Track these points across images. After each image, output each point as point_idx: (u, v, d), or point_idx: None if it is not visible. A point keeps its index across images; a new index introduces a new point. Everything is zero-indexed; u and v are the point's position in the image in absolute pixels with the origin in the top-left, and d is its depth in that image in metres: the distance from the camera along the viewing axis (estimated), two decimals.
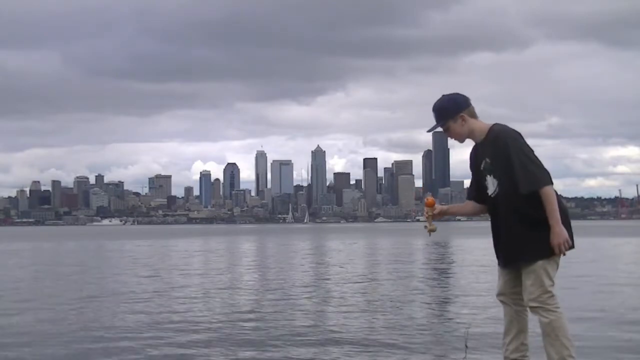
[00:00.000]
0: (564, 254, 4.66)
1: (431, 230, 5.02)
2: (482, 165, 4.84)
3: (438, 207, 5.01)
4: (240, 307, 10.74)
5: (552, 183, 4.65)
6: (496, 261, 4.90)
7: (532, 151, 4.68)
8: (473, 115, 4.84)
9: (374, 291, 13.01)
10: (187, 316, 9.79)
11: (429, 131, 5.03)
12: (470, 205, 5.05)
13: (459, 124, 4.82)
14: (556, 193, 4.72)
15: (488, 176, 4.80)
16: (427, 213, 5.04)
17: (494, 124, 4.83)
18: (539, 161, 4.67)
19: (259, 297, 12.20)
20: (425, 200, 5.08)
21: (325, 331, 8.36)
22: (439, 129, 4.96)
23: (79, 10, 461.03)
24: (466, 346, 6.26)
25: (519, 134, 4.72)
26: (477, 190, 4.96)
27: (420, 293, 12.66)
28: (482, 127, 4.82)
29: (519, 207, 4.66)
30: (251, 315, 9.65)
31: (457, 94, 4.92)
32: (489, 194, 4.82)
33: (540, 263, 4.64)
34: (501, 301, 4.90)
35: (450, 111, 4.83)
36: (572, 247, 4.70)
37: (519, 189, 4.60)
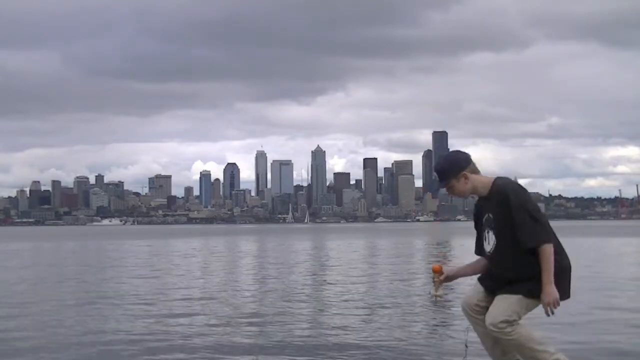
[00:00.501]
0: (551, 314, 4.59)
1: (437, 297, 4.96)
2: (484, 219, 4.86)
3: (445, 273, 5.01)
4: (239, 310, 10.73)
5: (552, 242, 4.60)
6: None
7: (537, 207, 4.68)
8: (475, 171, 4.83)
9: (373, 292, 13.00)
10: (187, 318, 9.80)
11: (436, 191, 5.03)
12: (482, 263, 5.01)
13: (462, 182, 4.82)
14: (559, 247, 4.69)
15: (488, 231, 4.82)
16: (433, 279, 5.02)
17: (497, 178, 4.84)
18: (541, 217, 4.65)
19: (258, 299, 12.21)
20: (432, 267, 5.05)
21: (325, 332, 8.36)
22: (444, 189, 4.97)
23: (79, 10, 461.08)
24: (466, 346, 6.25)
25: (523, 189, 4.72)
26: (482, 245, 4.96)
27: (420, 293, 12.66)
28: (485, 182, 4.82)
29: (513, 262, 4.64)
30: (251, 320, 9.62)
31: (458, 152, 4.94)
32: (487, 250, 4.84)
33: (519, 296, 4.62)
34: (464, 310, 4.92)
35: (453, 171, 4.82)
36: (567, 297, 4.66)
37: (516, 244, 4.60)
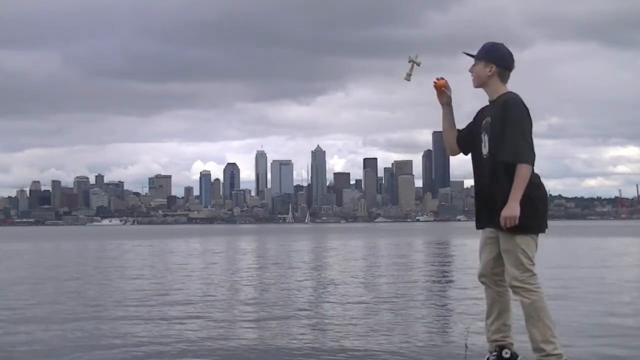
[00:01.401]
0: (504, 229, 4.67)
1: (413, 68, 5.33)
2: (482, 123, 4.95)
3: (448, 90, 5.26)
4: (239, 312, 10.71)
5: (532, 164, 4.69)
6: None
7: (530, 130, 4.75)
8: (504, 78, 4.94)
9: (373, 292, 12.99)
10: (187, 319, 9.78)
11: (465, 52, 5.19)
12: (455, 134, 5.23)
13: (486, 70, 4.94)
14: (540, 180, 4.80)
15: (484, 135, 4.90)
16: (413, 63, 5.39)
17: (510, 92, 4.91)
18: (531, 140, 4.74)
19: (258, 301, 12.19)
20: (438, 83, 5.31)
21: (325, 332, 8.35)
22: (472, 59, 5.11)
23: (79, 10, 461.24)
24: (466, 346, 6.25)
25: (526, 109, 4.80)
26: (466, 138, 5.11)
27: (420, 293, 12.65)
28: (498, 90, 4.92)
29: (505, 173, 4.71)
30: (251, 324, 9.60)
31: (510, 54, 5.02)
32: (483, 153, 4.91)
33: (516, 240, 4.69)
34: (482, 282, 4.98)
35: (490, 55, 4.95)
36: (543, 230, 4.78)
37: (500, 155, 4.71)
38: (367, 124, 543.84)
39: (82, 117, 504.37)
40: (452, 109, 5.30)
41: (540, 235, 4.85)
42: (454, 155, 5.26)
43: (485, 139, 4.90)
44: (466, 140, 5.11)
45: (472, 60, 5.12)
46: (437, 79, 5.33)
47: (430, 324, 8.92)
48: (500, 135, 4.72)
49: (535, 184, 4.74)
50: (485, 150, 4.89)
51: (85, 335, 8.29)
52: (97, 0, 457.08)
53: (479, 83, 5.01)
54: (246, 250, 34.49)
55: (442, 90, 5.26)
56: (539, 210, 4.73)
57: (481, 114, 5.03)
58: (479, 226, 5.04)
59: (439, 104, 5.33)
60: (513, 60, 5.01)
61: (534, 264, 4.70)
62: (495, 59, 4.93)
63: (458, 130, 5.22)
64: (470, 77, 5.07)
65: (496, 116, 4.80)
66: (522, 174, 4.63)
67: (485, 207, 4.91)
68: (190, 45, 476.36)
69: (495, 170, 4.79)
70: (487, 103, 5.05)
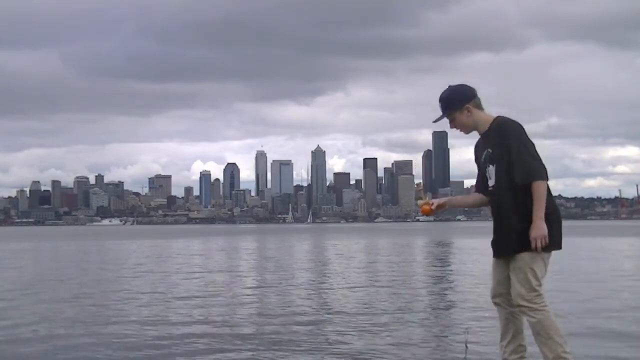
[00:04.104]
0: (538, 250, 4.59)
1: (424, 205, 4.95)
2: (483, 156, 4.86)
3: (435, 202, 5.00)
4: (238, 315, 10.71)
5: (546, 179, 4.62)
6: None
7: (533, 145, 4.68)
8: (479, 106, 4.85)
9: (372, 291, 13.00)
10: (186, 322, 9.79)
11: (435, 121, 5.02)
12: (474, 196, 5.02)
13: (465, 115, 4.82)
14: (550, 193, 4.71)
15: (490, 166, 4.81)
16: (419, 194, 5.12)
17: (498, 116, 4.84)
18: (538, 155, 4.66)
19: (259, 301, 12.21)
20: (421, 208, 5.00)
21: (324, 333, 8.36)
22: (445, 120, 4.95)
23: (79, 11, 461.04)
24: (466, 347, 6.26)
25: (521, 127, 4.73)
26: (482, 183, 4.94)
27: (420, 293, 12.66)
28: (487, 119, 4.83)
29: (513, 198, 4.66)
30: (251, 328, 9.59)
31: (464, 85, 4.92)
32: (490, 185, 4.84)
33: (526, 259, 4.63)
34: (495, 303, 4.91)
35: (457, 102, 4.82)
36: (558, 247, 4.70)
37: (514, 180, 4.62)
38: (367, 124, 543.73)
39: (82, 117, 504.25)
40: (460, 200, 5.21)
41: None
42: (487, 205, 5.06)
43: (490, 170, 4.80)
44: (485, 186, 4.95)
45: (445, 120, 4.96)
46: (416, 202, 5.18)
47: (430, 324, 8.93)
48: (508, 161, 4.63)
49: (548, 202, 4.65)
50: (491, 182, 4.82)
51: (85, 337, 8.30)
52: (97, 0, 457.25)
53: (469, 128, 4.91)
54: (246, 250, 34.49)
55: (441, 207, 5.05)
56: (552, 229, 4.63)
57: (479, 149, 4.95)
58: (495, 255, 4.91)
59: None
60: (469, 86, 4.92)
61: (541, 285, 4.63)
62: (465, 99, 4.82)
63: (476, 189, 5.08)
64: (458, 132, 4.94)
65: (496, 145, 4.72)
66: (539, 190, 4.56)
67: (495, 239, 4.83)
68: (190, 45, 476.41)
69: (501, 199, 4.73)
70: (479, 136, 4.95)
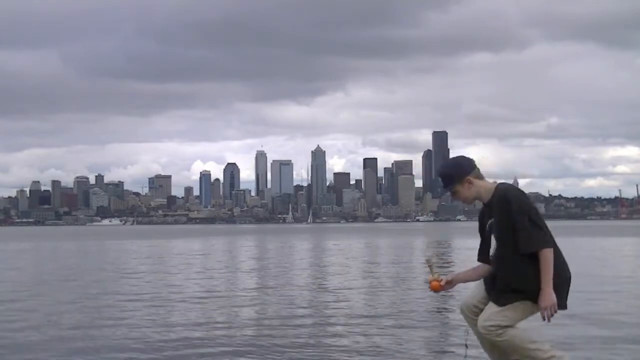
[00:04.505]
0: (548, 320, 4.55)
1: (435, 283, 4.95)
2: (488, 225, 4.85)
3: (444, 279, 4.97)
4: (237, 317, 10.72)
5: (552, 246, 4.60)
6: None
7: (537, 212, 4.68)
8: (479, 176, 4.83)
9: (372, 291, 13.00)
10: (186, 323, 9.80)
11: (440, 196, 4.98)
12: (479, 270, 4.98)
13: (465, 187, 4.81)
14: (558, 258, 4.67)
15: (493, 236, 4.79)
16: (430, 267, 5.05)
17: (499, 184, 4.83)
18: (542, 222, 4.65)
19: (259, 303, 12.22)
20: (431, 285, 5.00)
21: (324, 334, 8.36)
22: (447, 194, 4.96)
23: (79, 11, 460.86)
24: (466, 346, 6.25)
25: (524, 194, 4.73)
26: (486, 250, 4.91)
27: (419, 293, 12.67)
28: (488, 188, 4.81)
29: (515, 264, 4.63)
30: (251, 326, 9.61)
31: (462, 157, 4.95)
32: (490, 254, 4.83)
33: (516, 303, 4.61)
34: (462, 311, 4.92)
35: (456, 176, 4.82)
36: (562, 308, 4.65)
37: (518, 249, 4.59)
38: (367, 124, 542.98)
39: (82, 117, 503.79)
40: (466, 275, 5.10)
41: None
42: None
43: (494, 240, 4.78)
44: (488, 253, 4.94)
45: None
46: (430, 282, 5.08)
47: (430, 324, 8.94)
48: (511, 231, 4.61)
49: (556, 266, 4.60)
50: (491, 251, 4.82)
51: (85, 338, 8.31)
52: (97, 0, 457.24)
53: (471, 200, 4.89)
54: (246, 250, 34.49)
55: (449, 284, 5.04)
56: (557, 291, 4.56)
57: (484, 217, 4.93)
58: (485, 285, 4.89)
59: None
60: (467, 158, 4.94)
61: (514, 325, 4.59)
62: (465, 172, 4.82)
63: (479, 257, 5.03)
64: (461, 204, 4.91)
65: (498, 215, 4.71)
66: (545, 259, 4.54)
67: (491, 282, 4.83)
68: (190, 45, 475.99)
69: (505, 263, 4.68)
70: (482, 205, 4.95)
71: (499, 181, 4.89)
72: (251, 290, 13.69)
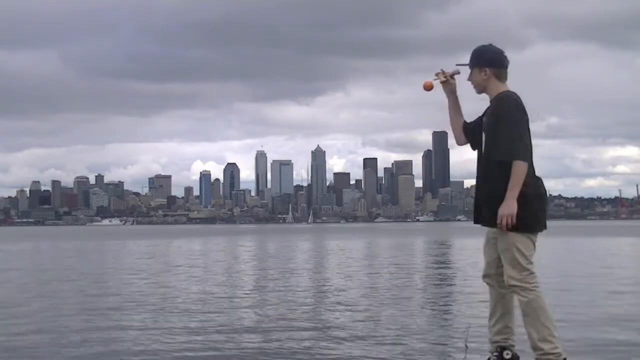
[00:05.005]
0: (502, 229, 4.65)
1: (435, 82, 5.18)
2: (482, 122, 5.00)
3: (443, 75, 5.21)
4: (237, 318, 10.72)
5: (526, 160, 4.67)
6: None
7: (525, 127, 4.76)
8: (500, 77, 4.95)
9: (372, 291, 13.00)
10: (188, 324, 9.79)
11: (458, 64, 5.24)
12: (461, 123, 5.18)
13: (481, 75, 4.96)
14: (536, 176, 4.79)
15: (484, 134, 4.93)
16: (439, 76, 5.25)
17: (507, 90, 4.93)
18: (526, 137, 4.74)
19: (260, 304, 12.21)
20: (424, 84, 5.24)
21: (324, 333, 8.36)
22: (466, 68, 5.16)
23: (78, 10, 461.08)
24: (466, 346, 6.26)
25: (520, 106, 4.81)
26: (474, 127, 5.08)
27: (420, 293, 12.66)
28: (496, 90, 4.93)
29: (501, 171, 4.71)
30: (252, 335, 9.60)
31: (500, 52, 5.06)
32: (482, 151, 4.94)
33: (512, 239, 4.68)
34: (487, 283, 4.98)
35: (481, 60, 5.00)
36: (543, 228, 4.76)
37: (494, 154, 4.72)
38: (367, 124, 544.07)
39: (82, 117, 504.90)
40: (457, 98, 5.28)
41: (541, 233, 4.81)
42: (461, 144, 5.23)
43: (484, 138, 4.92)
44: (473, 133, 5.09)
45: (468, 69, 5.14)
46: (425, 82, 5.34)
47: (430, 324, 8.93)
48: (495, 134, 4.74)
49: (531, 182, 4.72)
50: (483, 148, 4.93)
51: (84, 342, 8.30)
52: (97, 0, 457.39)
53: (480, 89, 5.01)
54: (246, 251, 34.48)
55: (446, 80, 5.24)
56: (534, 208, 4.69)
57: (485, 113, 5.04)
58: (475, 220, 5.09)
59: (445, 94, 5.31)
60: (504, 57, 5.03)
61: (531, 263, 4.68)
62: (487, 62, 4.96)
63: (465, 121, 5.21)
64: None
65: (491, 115, 4.84)
66: (517, 171, 4.61)
67: (477, 203, 4.97)
68: (190, 45, 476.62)
69: (487, 168, 4.83)
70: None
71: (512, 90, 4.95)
72: (252, 291, 13.68)
